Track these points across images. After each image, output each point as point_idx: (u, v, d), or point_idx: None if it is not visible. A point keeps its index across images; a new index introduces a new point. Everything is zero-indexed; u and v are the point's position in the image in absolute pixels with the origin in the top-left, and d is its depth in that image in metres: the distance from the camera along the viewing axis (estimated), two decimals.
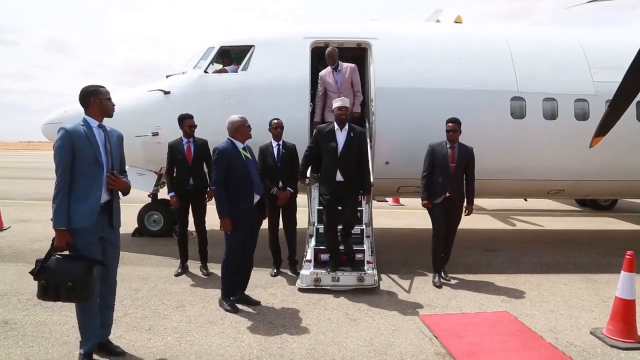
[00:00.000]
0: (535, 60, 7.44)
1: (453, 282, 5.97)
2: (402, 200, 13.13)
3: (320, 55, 7.13)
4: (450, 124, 5.86)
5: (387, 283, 5.86)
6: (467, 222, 10.06)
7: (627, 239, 9.18)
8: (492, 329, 4.51)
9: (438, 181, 5.86)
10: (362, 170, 5.61)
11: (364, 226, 6.16)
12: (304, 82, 7.08)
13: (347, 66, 6.80)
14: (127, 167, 7.57)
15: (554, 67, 7.43)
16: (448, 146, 5.86)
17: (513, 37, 7.75)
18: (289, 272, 6.24)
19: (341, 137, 5.48)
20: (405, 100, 7.04)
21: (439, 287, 5.74)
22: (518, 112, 7.19)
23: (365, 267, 5.67)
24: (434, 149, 5.95)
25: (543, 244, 8.34)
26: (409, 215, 11.43)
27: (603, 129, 6.06)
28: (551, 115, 7.30)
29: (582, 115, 7.32)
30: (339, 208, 5.59)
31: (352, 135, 5.49)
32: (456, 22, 9.42)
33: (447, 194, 5.80)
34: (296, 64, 7.17)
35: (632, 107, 6.74)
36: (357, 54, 7.58)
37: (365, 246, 5.95)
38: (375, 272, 5.66)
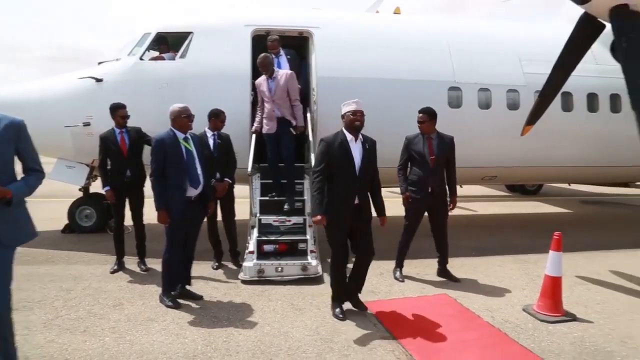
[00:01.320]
0: (471, 52, 7.73)
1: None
2: None
3: (264, 46, 6.98)
4: (419, 115, 5.53)
5: None
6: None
7: (552, 221, 9.80)
8: (433, 311, 4.66)
9: (418, 176, 5.50)
10: (376, 189, 4.56)
11: (306, 215, 6.17)
12: (245, 71, 6.95)
13: (282, 73, 6.32)
14: (56, 159, 7.25)
15: (488, 59, 7.75)
16: (425, 137, 5.52)
17: (450, 29, 8.00)
18: (231, 265, 6.13)
19: (357, 150, 4.33)
20: (347, 89, 7.07)
21: (402, 281, 5.58)
22: (455, 101, 7.43)
23: (309, 257, 5.69)
24: (410, 141, 5.58)
25: (478, 229, 8.72)
26: None
27: (533, 118, 6.40)
28: (485, 104, 7.62)
29: (514, 105, 7.70)
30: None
31: (367, 147, 4.39)
32: (395, 13, 9.59)
33: (430, 190, 5.48)
34: (237, 52, 7.02)
35: (558, 98, 7.17)
36: (299, 42, 7.53)
37: (309, 235, 5.96)
38: (318, 261, 5.68)
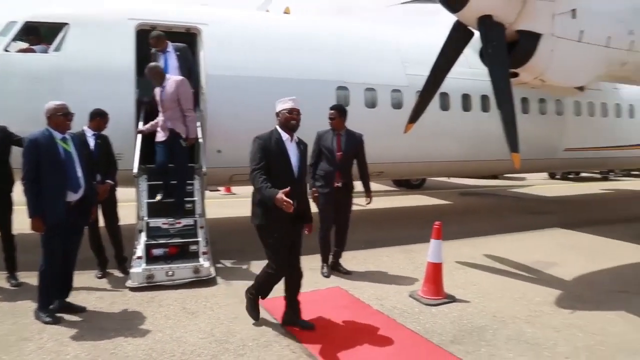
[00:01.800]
0: (358, 53, 8.04)
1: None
2: (234, 189, 13.12)
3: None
4: (330, 111, 5.68)
5: (223, 272, 5.79)
6: None
7: (435, 212, 10.56)
8: (326, 304, 4.81)
9: (326, 171, 5.63)
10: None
11: (197, 217, 6.01)
12: (128, 68, 6.56)
13: (172, 81, 5.99)
14: None
15: (374, 60, 8.12)
16: (335, 134, 5.66)
17: (338, 31, 8.25)
18: (118, 273, 5.75)
19: (292, 150, 4.08)
20: (237, 88, 7.02)
21: (327, 277, 5.66)
22: (343, 100, 7.66)
23: (201, 259, 5.55)
24: (321, 136, 5.71)
25: (367, 223, 9.09)
26: (242, 203, 11.46)
27: (414, 116, 6.83)
28: (371, 104, 7.98)
29: (398, 104, 8.15)
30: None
31: (302, 148, 4.17)
32: (285, 13, 9.67)
33: (336, 184, 5.63)
34: (119, 47, 6.60)
35: (437, 98, 7.74)
36: (187, 39, 7.29)
37: (200, 237, 5.81)
38: (211, 262, 5.57)
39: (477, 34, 5.74)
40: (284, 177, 3.94)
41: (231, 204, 11.26)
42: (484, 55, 5.48)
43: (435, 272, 5.01)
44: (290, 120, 4.05)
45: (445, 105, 8.60)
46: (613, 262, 6.40)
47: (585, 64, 5.65)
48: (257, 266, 6.01)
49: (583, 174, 19.43)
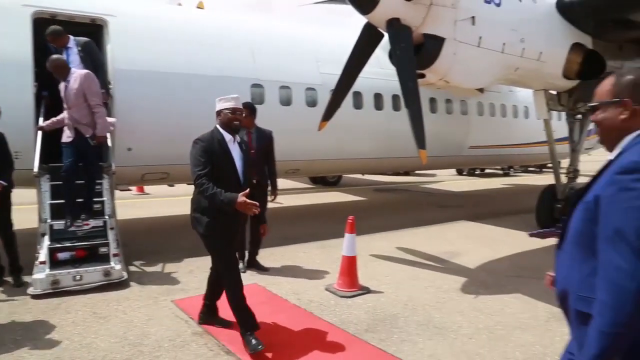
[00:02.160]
0: (273, 51, 8.06)
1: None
2: (148, 188, 12.63)
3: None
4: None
5: (136, 274, 5.59)
6: None
7: (351, 208, 10.86)
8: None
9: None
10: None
11: (106, 217, 5.73)
12: (24, 58, 6.09)
13: (77, 75, 5.54)
14: None
15: (288, 59, 8.19)
16: (245, 132, 5.69)
17: (253, 28, 8.22)
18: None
19: (236, 151, 3.85)
20: (148, 83, 6.77)
21: (243, 272, 5.65)
22: (258, 98, 7.67)
23: (112, 261, 5.31)
24: None
25: (284, 220, 9.17)
26: (155, 203, 11.09)
27: (328, 114, 6.99)
28: (286, 101, 8.04)
29: (312, 102, 8.29)
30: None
31: (244, 147, 3.97)
32: (199, 7, 9.45)
33: (254, 181, 5.58)
34: (13, 36, 6.11)
35: (351, 97, 7.98)
36: (91, 30, 6.89)
37: (110, 239, 5.56)
38: (123, 265, 5.35)
39: (386, 35, 6.00)
40: (229, 180, 3.68)
41: (144, 204, 10.84)
42: (393, 57, 5.72)
43: (349, 265, 5.18)
44: (234, 120, 3.77)
45: (358, 104, 8.88)
46: (511, 250, 6.98)
47: (484, 67, 6.12)
48: (172, 267, 5.90)
49: (487, 170, 20.90)
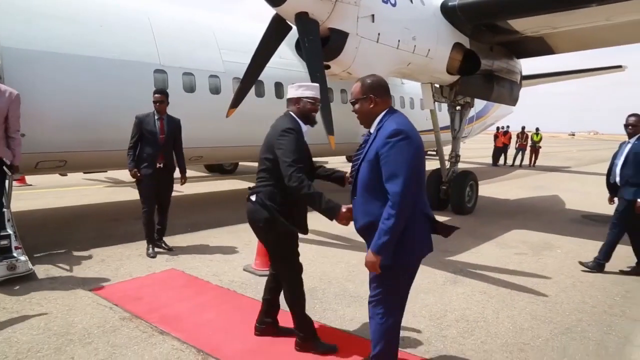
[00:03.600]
0: (175, 37, 7.92)
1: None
2: (31, 179, 11.64)
3: None
4: (156, 95, 5.96)
5: (42, 267, 5.32)
6: (104, 197, 9.96)
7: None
8: (166, 285, 4.87)
9: (148, 153, 5.88)
10: None
11: (4, 209, 5.36)
12: None
13: (7, 93, 4.91)
14: None
15: (191, 45, 8.11)
16: (157, 117, 5.94)
17: (154, 13, 7.97)
18: None
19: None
20: (42, 65, 6.33)
21: (154, 257, 5.84)
22: (161, 84, 7.53)
23: (15, 254, 5.01)
24: (142, 120, 5.90)
25: (187, 207, 9.14)
26: (41, 195, 10.30)
27: (235, 102, 7.13)
28: (190, 88, 8.00)
29: (215, 90, 8.32)
30: None
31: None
32: None
33: (159, 165, 5.94)
34: None
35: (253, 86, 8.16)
36: None
37: (10, 230, 5.23)
38: (26, 257, 5.08)
39: (294, 28, 6.30)
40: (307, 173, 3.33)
41: (29, 196, 10.01)
42: (301, 48, 6.04)
43: None
44: (313, 111, 3.57)
45: (260, 93, 9.09)
46: None
47: (382, 61, 6.70)
48: (79, 257, 5.71)
49: None
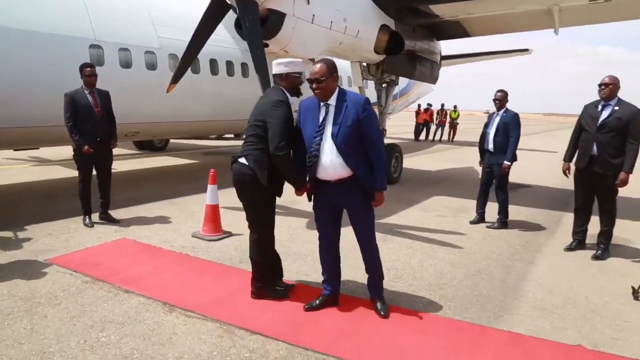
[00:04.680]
0: (110, 12, 7.87)
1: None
2: None
3: None
4: (88, 69, 6.04)
5: None
6: (34, 175, 9.74)
7: (185, 170, 11.25)
8: (120, 252, 5.14)
9: (86, 128, 5.99)
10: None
11: None
12: None
13: None
14: None
15: (126, 20, 8.10)
16: (87, 92, 6.02)
17: None
18: None
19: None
20: None
21: (91, 226, 6.07)
22: (96, 59, 7.51)
23: None
24: (73, 97, 5.92)
25: (124, 183, 9.16)
26: None
27: (176, 78, 7.32)
28: (126, 64, 8.02)
29: (152, 66, 8.40)
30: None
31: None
32: None
33: (98, 139, 6.07)
34: None
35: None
36: None
37: None
38: None
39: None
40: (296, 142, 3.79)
41: None
42: (242, 27, 6.35)
43: (213, 212, 5.86)
44: (300, 85, 3.95)
45: (195, 69, 9.25)
46: None
47: (316, 41, 7.16)
48: (25, 234, 5.80)
49: None
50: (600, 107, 5.43)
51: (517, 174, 7.52)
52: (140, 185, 9.14)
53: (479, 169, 7.32)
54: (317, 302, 3.95)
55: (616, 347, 3.55)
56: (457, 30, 10.00)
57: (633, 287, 4.47)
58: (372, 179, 3.63)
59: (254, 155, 3.78)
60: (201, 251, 5.28)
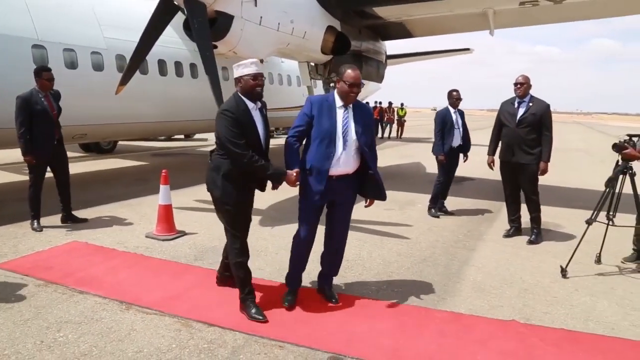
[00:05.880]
0: (53, 12, 7.71)
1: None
2: None
3: None
4: (46, 73, 5.97)
5: None
6: None
7: (136, 172, 11.09)
8: (72, 255, 5.11)
9: (44, 132, 5.94)
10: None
11: None
12: None
13: None
14: None
15: (70, 20, 7.95)
16: (42, 96, 5.92)
17: None
18: None
19: (258, 119, 3.82)
20: None
21: (40, 230, 5.95)
22: (40, 60, 7.36)
23: None
24: (27, 100, 5.81)
25: (71, 187, 8.93)
26: None
27: (125, 79, 7.28)
28: (71, 65, 7.88)
29: (98, 67, 8.28)
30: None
31: (264, 112, 3.93)
32: None
33: (55, 142, 6.08)
34: None
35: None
36: None
37: None
38: None
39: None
40: (253, 148, 3.70)
41: None
42: (191, 29, 6.42)
43: (166, 212, 5.90)
44: (256, 87, 3.71)
45: (144, 70, 9.17)
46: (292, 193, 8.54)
47: (264, 42, 7.32)
48: None
49: None
50: (516, 104, 5.93)
51: (463, 167, 7.98)
52: (89, 188, 8.96)
53: (426, 164, 7.71)
54: (292, 297, 4.08)
55: (545, 319, 3.93)
56: (401, 31, 10.43)
57: (562, 266, 4.92)
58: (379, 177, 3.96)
59: (213, 162, 3.84)
60: (155, 251, 5.33)
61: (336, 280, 4.41)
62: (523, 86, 5.86)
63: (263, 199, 8.21)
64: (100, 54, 8.32)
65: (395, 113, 24.66)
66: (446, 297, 4.33)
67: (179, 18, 7.18)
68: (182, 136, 18.24)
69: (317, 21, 8.42)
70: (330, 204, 4.04)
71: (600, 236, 5.12)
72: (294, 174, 3.79)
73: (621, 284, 4.76)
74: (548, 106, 5.84)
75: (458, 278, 4.81)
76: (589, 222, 4.88)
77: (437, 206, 7.48)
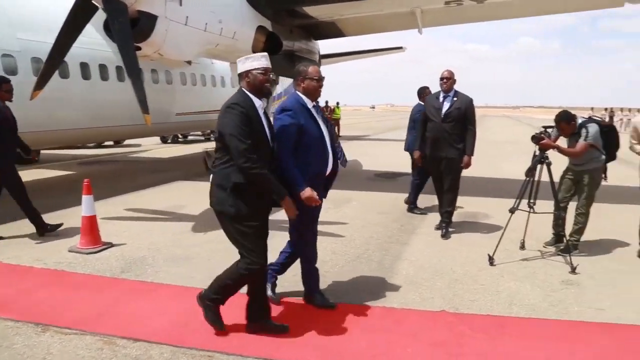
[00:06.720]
0: None
1: None
2: None
3: None
4: (7, 85, 5.92)
5: None
6: None
7: (62, 182, 10.50)
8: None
9: (9, 143, 5.98)
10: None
11: None
12: None
13: None
14: None
15: None
16: (2, 106, 5.86)
17: None
18: None
19: (264, 119, 3.44)
20: None
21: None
22: None
23: None
24: None
25: None
26: None
27: (41, 83, 6.82)
28: None
29: (11, 70, 7.72)
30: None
31: (267, 114, 3.62)
32: None
33: (19, 150, 6.16)
34: None
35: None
36: None
37: None
38: None
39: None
40: (261, 154, 3.27)
41: None
42: (111, 30, 6.12)
43: (91, 224, 5.59)
44: (265, 82, 3.38)
45: (64, 74, 8.68)
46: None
47: (191, 43, 7.10)
48: None
49: (190, 137, 22.10)
50: (441, 99, 6.08)
51: (399, 163, 8.14)
52: (6, 201, 8.35)
53: (364, 161, 7.80)
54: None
55: (473, 307, 4.06)
56: (333, 30, 10.49)
57: (489, 255, 5.10)
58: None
59: (218, 175, 3.36)
60: (79, 266, 5.02)
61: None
62: (449, 81, 6.01)
63: (198, 201, 7.99)
64: (12, 56, 7.77)
65: (333, 112, 24.91)
66: (379, 292, 4.37)
67: (101, 17, 6.81)
68: (111, 142, 17.46)
69: (247, 21, 8.29)
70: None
71: (524, 223, 5.36)
72: (310, 190, 3.50)
73: (542, 267, 5.01)
74: (471, 101, 6.04)
75: (391, 273, 4.87)
76: (511, 211, 5.10)
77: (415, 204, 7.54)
